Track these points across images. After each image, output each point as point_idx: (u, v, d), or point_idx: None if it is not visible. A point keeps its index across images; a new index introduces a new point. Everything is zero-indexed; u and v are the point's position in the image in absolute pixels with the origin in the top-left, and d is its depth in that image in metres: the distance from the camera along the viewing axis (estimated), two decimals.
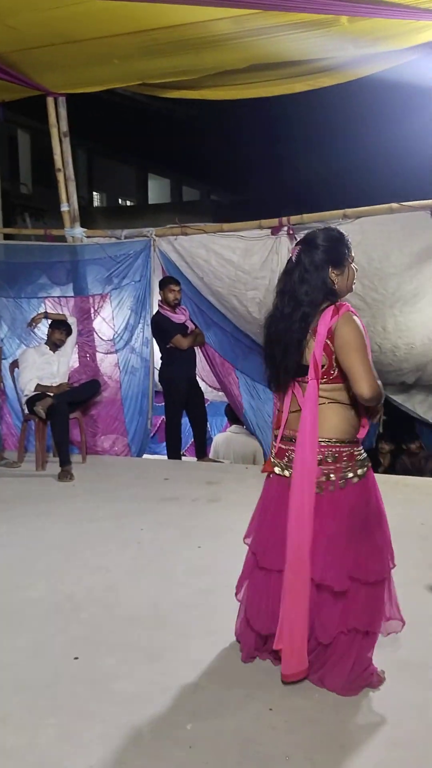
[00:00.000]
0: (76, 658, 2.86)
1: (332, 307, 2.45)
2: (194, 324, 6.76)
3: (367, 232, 6.15)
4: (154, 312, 6.93)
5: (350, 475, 2.52)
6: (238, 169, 20.86)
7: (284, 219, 6.41)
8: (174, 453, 6.78)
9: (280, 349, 2.56)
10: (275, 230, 6.45)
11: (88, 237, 7.22)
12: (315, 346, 2.44)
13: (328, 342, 2.43)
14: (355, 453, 2.54)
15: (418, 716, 2.43)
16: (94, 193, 24.54)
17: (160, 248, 7.07)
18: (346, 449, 2.52)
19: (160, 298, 6.71)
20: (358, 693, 2.55)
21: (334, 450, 2.51)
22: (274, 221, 6.44)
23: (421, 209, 5.87)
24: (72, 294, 7.11)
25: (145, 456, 7.25)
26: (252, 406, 7.22)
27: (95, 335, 7.06)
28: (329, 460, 2.50)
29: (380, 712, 2.45)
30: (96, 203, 24.54)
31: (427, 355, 7.01)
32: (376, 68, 5.73)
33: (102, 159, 23.43)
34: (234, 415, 7.80)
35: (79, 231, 7.16)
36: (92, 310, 7.04)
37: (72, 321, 6.67)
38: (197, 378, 7.12)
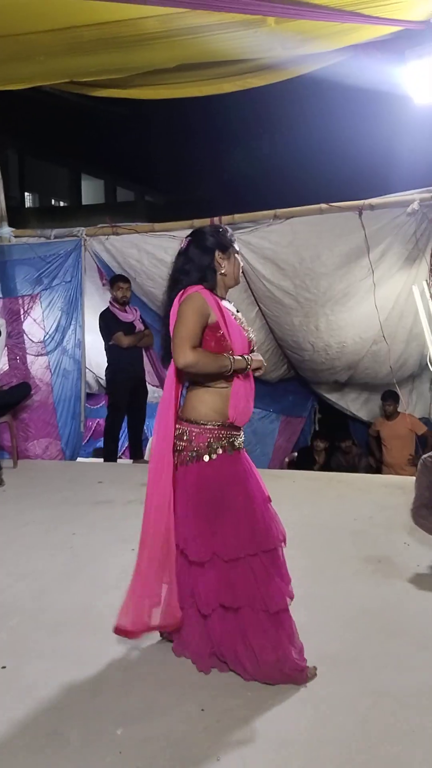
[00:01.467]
0: (4, 667, 2.79)
1: (183, 290, 2.60)
2: (144, 325, 6.65)
3: (298, 233, 6.22)
4: (85, 312, 6.84)
5: (195, 454, 2.63)
6: (172, 171, 20.82)
7: (216, 219, 6.42)
8: (110, 455, 6.69)
9: (166, 331, 2.70)
10: None
11: (16, 237, 7.06)
12: (171, 328, 2.61)
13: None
14: (206, 435, 2.62)
15: (347, 712, 2.44)
16: (26, 193, 24.09)
17: (91, 248, 6.98)
18: (196, 429, 2.63)
19: (110, 296, 6.59)
20: (274, 681, 2.56)
21: (188, 429, 2.64)
22: (206, 221, 6.44)
23: (349, 210, 5.96)
24: (0, 295, 6.94)
25: (79, 459, 7.13)
26: None
27: (25, 337, 6.89)
28: (184, 438, 2.65)
29: (311, 710, 2.45)
30: (28, 204, 24.09)
31: (359, 354, 7.14)
32: (305, 69, 5.79)
33: (34, 159, 23.02)
34: None
35: (6, 231, 6.99)
36: (22, 312, 6.87)
37: (0, 323, 6.51)
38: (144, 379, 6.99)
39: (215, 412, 2.64)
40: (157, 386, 7.61)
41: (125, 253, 6.90)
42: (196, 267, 2.64)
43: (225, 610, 2.59)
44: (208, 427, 2.63)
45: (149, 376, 7.22)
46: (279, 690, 2.56)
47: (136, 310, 6.64)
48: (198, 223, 6.51)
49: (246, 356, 2.64)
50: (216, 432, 2.63)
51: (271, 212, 6.21)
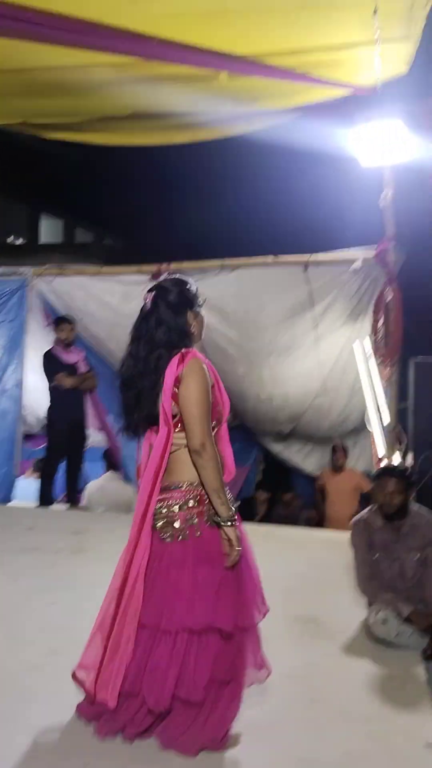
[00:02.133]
0: None
1: (178, 354, 2.44)
2: (89, 366, 6.55)
3: (245, 284, 6.28)
4: (29, 351, 6.73)
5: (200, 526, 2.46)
6: (129, 214, 20.95)
7: (164, 265, 6.43)
8: (45, 498, 6.50)
9: (134, 395, 2.53)
10: (155, 276, 6.44)
11: None
12: (163, 395, 2.41)
13: (176, 390, 2.41)
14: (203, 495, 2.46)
15: None
16: None
17: (37, 288, 6.91)
18: (195, 493, 2.47)
19: (54, 337, 6.48)
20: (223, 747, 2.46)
21: (196, 493, 2.46)
22: (154, 267, 6.45)
23: (295, 264, 6.04)
24: None
25: (17, 501, 6.92)
26: (125, 453, 7.11)
27: None
28: (191, 504, 2.46)
29: None
30: None
31: (302, 406, 7.16)
32: (256, 126, 5.91)
33: None
34: (111, 461, 7.63)
35: None
36: None
37: None
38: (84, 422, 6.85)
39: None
40: (98, 430, 7.50)
41: (72, 294, 6.85)
42: (174, 330, 2.49)
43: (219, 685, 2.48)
44: (199, 488, 2.47)
45: (90, 420, 7.10)
46: (196, 760, 2.44)
47: (80, 352, 6.55)
48: (146, 268, 6.53)
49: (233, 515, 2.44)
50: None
51: (218, 262, 6.26)
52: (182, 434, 2.44)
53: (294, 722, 2.73)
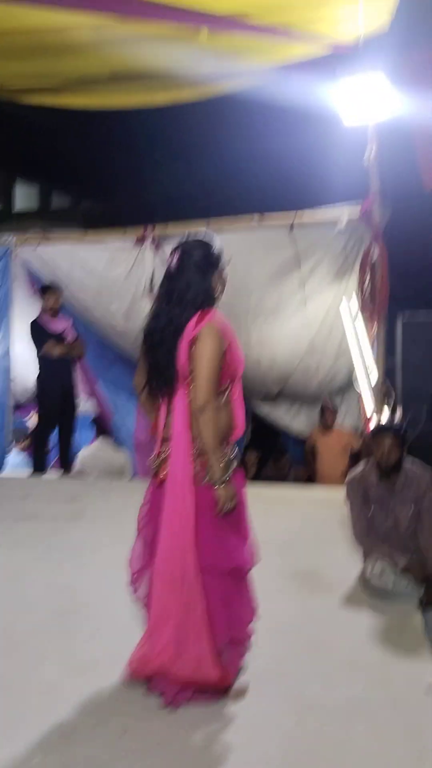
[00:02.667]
0: None
1: (196, 314, 2.49)
2: (76, 334, 6.53)
3: (230, 246, 6.18)
4: (15, 321, 6.70)
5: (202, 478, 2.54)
6: (108, 178, 20.63)
7: (148, 229, 6.38)
8: (39, 467, 6.54)
9: (164, 353, 2.55)
10: (139, 240, 6.41)
11: None
12: (180, 354, 2.48)
13: (192, 349, 2.47)
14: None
15: (273, 729, 2.43)
16: None
17: (21, 256, 6.85)
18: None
19: (41, 305, 6.45)
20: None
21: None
22: (139, 231, 6.41)
23: (280, 226, 6.03)
24: None
25: (4, 473, 6.95)
26: (118, 416, 7.14)
27: None
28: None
29: (236, 727, 2.43)
30: None
31: (289, 367, 7.20)
32: (237, 85, 5.85)
33: None
34: (101, 428, 7.66)
35: None
36: None
37: None
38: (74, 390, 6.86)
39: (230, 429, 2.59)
40: (88, 396, 7.52)
41: (56, 262, 6.80)
42: (201, 291, 2.55)
43: None
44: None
45: (79, 387, 7.11)
46: (204, 708, 2.53)
47: (68, 319, 6.53)
48: (131, 231, 6.47)
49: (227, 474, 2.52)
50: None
51: (203, 224, 6.22)
52: None
53: (298, 671, 2.82)
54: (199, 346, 2.46)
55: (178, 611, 2.49)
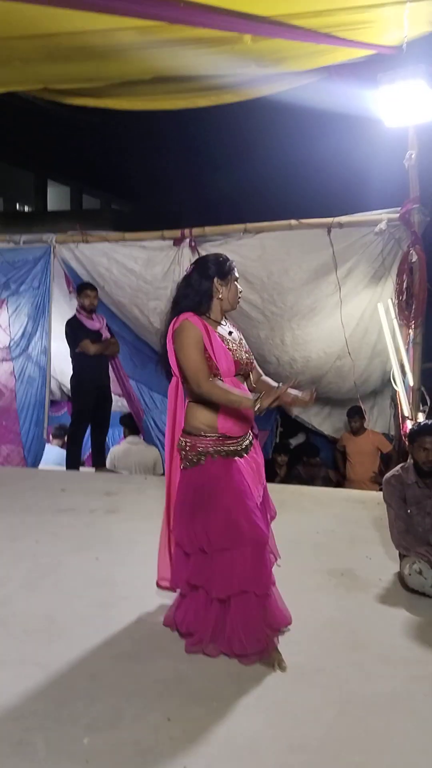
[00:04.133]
0: None
1: (175, 317, 2.87)
2: (110, 333, 6.63)
3: (267, 247, 6.30)
4: (53, 318, 6.80)
5: (188, 461, 2.91)
6: (140, 180, 20.82)
7: (186, 230, 6.46)
8: (73, 462, 6.64)
9: (162, 352, 2.99)
10: (177, 241, 6.48)
11: None
12: (169, 352, 2.89)
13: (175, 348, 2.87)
14: (198, 444, 2.87)
15: (314, 720, 2.48)
16: None
17: (60, 255, 6.96)
18: (189, 440, 2.89)
19: (77, 304, 6.56)
20: (249, 660, 2.80)
21: (185, 439, 2.92)
22: (177, 232, 6.48)
23: (318, 227, 6.06)
24: None
25: (41, 466, 7.07)
26: (149, 416, 7.22)
27: None
28: (184, 447, 2.92)
29: (278, 719, 2.49)
30: None
31: (323, 368, 7.22)
32: (279, 88, 5.87)
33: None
34: (131, 425, 7.76)
35: None
36: None
37: None
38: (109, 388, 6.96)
39: (206, 425, 2.88)
40: (120, 395, 7.61)
41: (94, 261, 6.89)
42: (195, 292, 2.89)
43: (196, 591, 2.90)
44: (199, 437, 2.88)
45: (114, 385, 7.21)
46: (246, 699, 2.59)
47: (102, 318, 6.62)
48: (168, 234, 6.55)
49: (255, 398, 2.73)
50: (207, 442, 2.87)
51: (241, 226, 6.29)
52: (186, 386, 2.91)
53: (338, 667, 2.86)
54: (176, 344, 2.84)
55: None
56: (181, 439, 2.94)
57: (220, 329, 2.93)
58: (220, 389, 2.77)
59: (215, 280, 2.89)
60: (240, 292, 2.99)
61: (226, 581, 2.78)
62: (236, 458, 2.91)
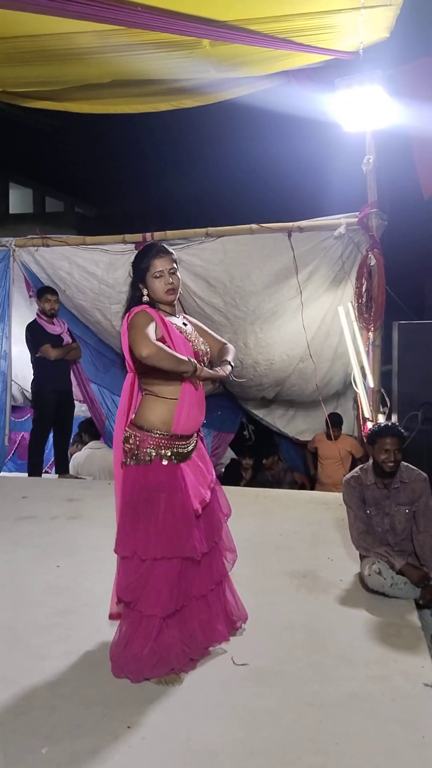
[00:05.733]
0: None
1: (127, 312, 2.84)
2: (72, 338, 6.57)
3: (229, 251, 6.32)
4: (13, 322, 6.73)
5: (134, 458, 2.82)
6: (103, 183, 20.71)
7: (148, 234, 6.44)
8: (35, 469, 6.56)
9: (120, 351, 2.97)
10: (139, 245, 6.45)
11: None
12: (123, 346, 2.83)
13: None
14: (148, 441, 2.79)
15: (273, 723, 2.49)
16: None
17: (20, 259, 6.89)
18: (140, 435, 2.81)
19: (38, 308, 6.50)
20: (132, 677, 2.73)
21: (134, 433, 2.82)
22: (138, 236, 6.46)
23: (279, 231, 6.10)
24: None
25: (1, 474, 6.97)
26: (111, 420, 7.18)
27: None
28: (130, 441, 2.83)
29: (238, 723, 2.49)
30: None
31: (286, 371, 7.26)
32: (238, 93, 5.92)
33: None
34: (91, 430, 7.71)
35: None
36: None
37: None
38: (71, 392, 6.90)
39: (161, 421, 2.81)
40: (81, 401, 7.55)
41: (55, 265, 6.83)
42: (131, 297, 2.91)
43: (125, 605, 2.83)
44: (152, 434, 2.80)
45: (75, 390, 7.15)
46: (205, 704, 2.59)
47: (63, 323, 6.57)
48: (129, 238, 6.53)
49: (196, 362, 2.75)
50: (158, 440, 2.80)
51: (202, 230, 6.29)
52: (148, 380, 2.84)
53: (298, 669, 2.87)
54: (129, 332, 2.74)
55: None
56: (128, 430, 2.84)
57: (174, 320, 2.92)
58: (167, 350, 2.69)
59: (139, 285, 2.90)
60: (171, 284, 2.87)
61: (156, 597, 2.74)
62: (182, 463, 2.85)
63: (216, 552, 3.00)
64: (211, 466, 3.07)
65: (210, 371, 2.81)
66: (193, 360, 2.74)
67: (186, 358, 2.72)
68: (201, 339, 2.98)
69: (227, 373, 2.91)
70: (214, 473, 3.07)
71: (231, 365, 2.97)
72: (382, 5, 4.52)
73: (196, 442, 2.96)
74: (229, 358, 3.02)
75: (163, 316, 2.85)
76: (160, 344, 2.68)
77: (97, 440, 7.54)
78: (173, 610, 2.77)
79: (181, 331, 2.88)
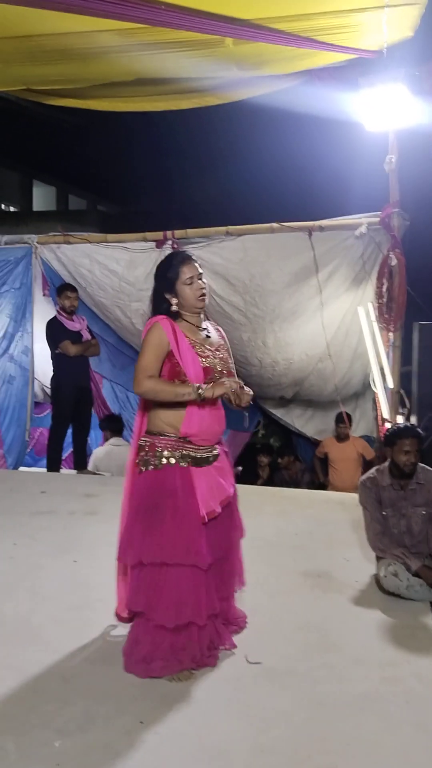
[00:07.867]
0: None
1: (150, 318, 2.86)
2: (91, 334, 6.61)
3: (249, 250, 6.32)
4: (35, 319, 6.78)
5: (145, 462, 2.82)
6: (126, 181, 20.80)
7: (168, 233, 6.47)
8: (53, 464, 6.61)
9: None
10: (159, 243, 6.49)
11: None
12: None
13: None
14: (157, 444, 2.80)
15: (284, 722, 2.49)
16: None
17: (42, 256, 6.94)
18: (149, 439, 2.83)
19: (58, 305, 6.54)
20: (142, 675, 2.73)
21: (145, 441, 2.85)
22: (159, 234, 6.49)
23: (299, 230, 6.09)
24: None
25: (21, 468, 7.03)
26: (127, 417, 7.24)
27: None
28: (145, 448, 2.84)
29: (249, 721, 2.49)
30: None
31: (304, 371, 7.25)
32: (260, 91, 5.90)
33: None
34: (114, 427, 7.74)
35: None
36: None
37: None
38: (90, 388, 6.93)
39: (168, 425, 2.81)
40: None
41: (77, 262, 6.88)
42: (156, 305, 2.87)
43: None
44: (160, 437, 2.81)
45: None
46: (217, 701, 2.59)
47: (83, 320, 6.61)
48: (150, 236, 6.56)
49: (198, 386, 2.71)
50: (167, 442, 2.80)
51: (223, 228, 6.31)
52: None
53: (311, 669, 2.87)
54: (142, 340, 2.81)
55: None
56: (142, 439, 2.86)
57: (194, 333, 2.85)
58: (161, 383, 2.73)
59: (165, 294, 2.84)
60: (203, 288, 2.83)
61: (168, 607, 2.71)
62: (197, 468, 2.81)
63: (225, 574, 2.98)
64: (232, 483, 2.98)
65: (216, 389, 2.71)
66: (194, 384, 2.71)
67: (185, 386, 2.72)
68: (222, 350, 2.92)
69: (232, 386, 2.74)
70: (233, 491, 2.99)
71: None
72: (406, 4, 4.48)
73: (217, 455, 2.90)
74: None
75: (179, 330, 2.80)
76: (154, 379, 2.74)
77: (118, 437, 7.57)
78: (183, 623, 2.72)
79: (195, 346, 2.81)
